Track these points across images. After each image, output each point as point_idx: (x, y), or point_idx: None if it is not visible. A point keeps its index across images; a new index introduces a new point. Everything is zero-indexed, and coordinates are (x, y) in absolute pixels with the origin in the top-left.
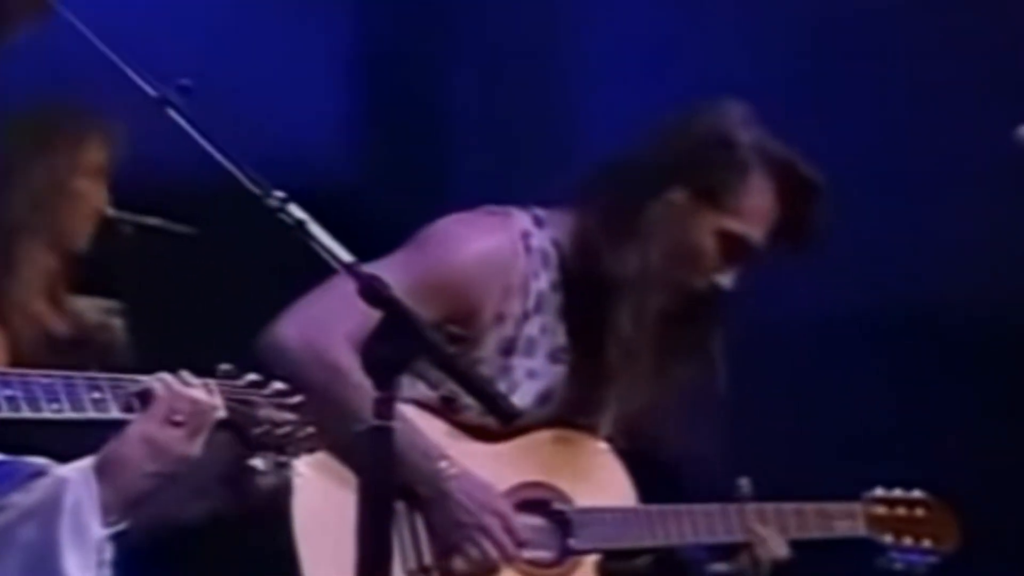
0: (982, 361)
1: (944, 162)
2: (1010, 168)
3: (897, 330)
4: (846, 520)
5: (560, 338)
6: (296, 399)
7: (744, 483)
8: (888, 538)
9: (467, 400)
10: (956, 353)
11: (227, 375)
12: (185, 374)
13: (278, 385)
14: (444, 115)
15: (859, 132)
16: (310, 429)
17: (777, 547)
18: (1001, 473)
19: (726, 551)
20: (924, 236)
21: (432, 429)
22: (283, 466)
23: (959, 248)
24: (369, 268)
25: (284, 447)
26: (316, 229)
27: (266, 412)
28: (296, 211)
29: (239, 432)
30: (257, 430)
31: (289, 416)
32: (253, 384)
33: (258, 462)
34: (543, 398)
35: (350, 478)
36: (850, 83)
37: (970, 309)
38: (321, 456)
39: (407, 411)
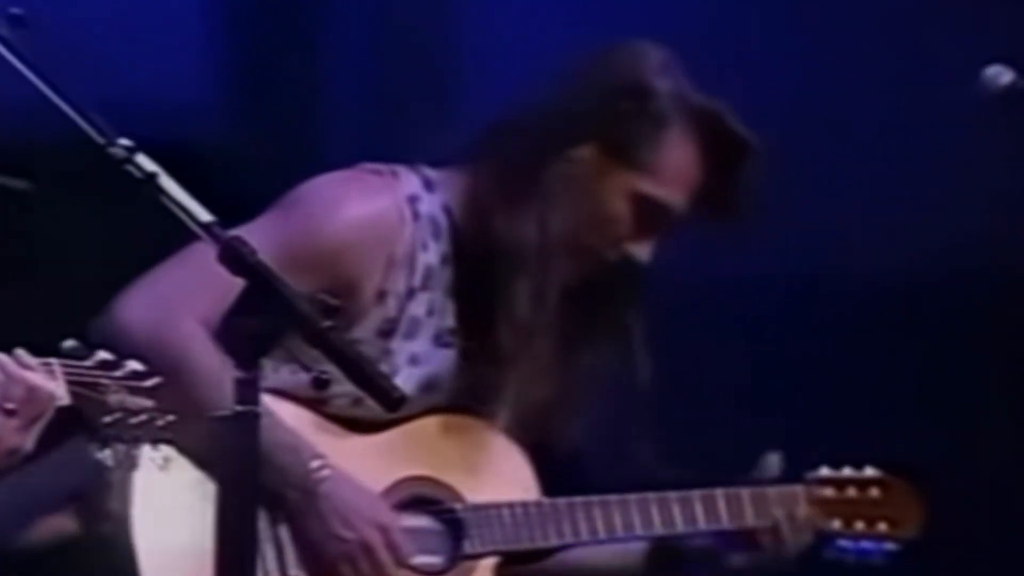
0: (941, 327)
1: (899, 110)
2: (975, 117)
3: (843, 298)
4: (787, 505)
5: (448, 319)
6: (153, 381)
7: (774, 460)
8: (836, 524)
9: (344, 387)
10: (911, 320)
11: (72, 354)
12: (21, 353)
13: (133, 365)
14: (321, 63)
15: (798, 77)
16: (170, 416)
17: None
18: (967, 447)
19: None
20: (876, 195)
21: (298, 422)
22: (134, 460)
23: (916, 208)
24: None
25: (138, 438)
26: (169, 183)
27: (118, 397)
28: (146, 163)
29: (85, 421)
30: (107, 419)
31: (145, 402)
32: (103, 365)
33: (107, 455)
34: (427, 386)
35: (204, 480)
36: (784, 21)
37: (928, 274)
38: (166, 455)
39: (267, 401)
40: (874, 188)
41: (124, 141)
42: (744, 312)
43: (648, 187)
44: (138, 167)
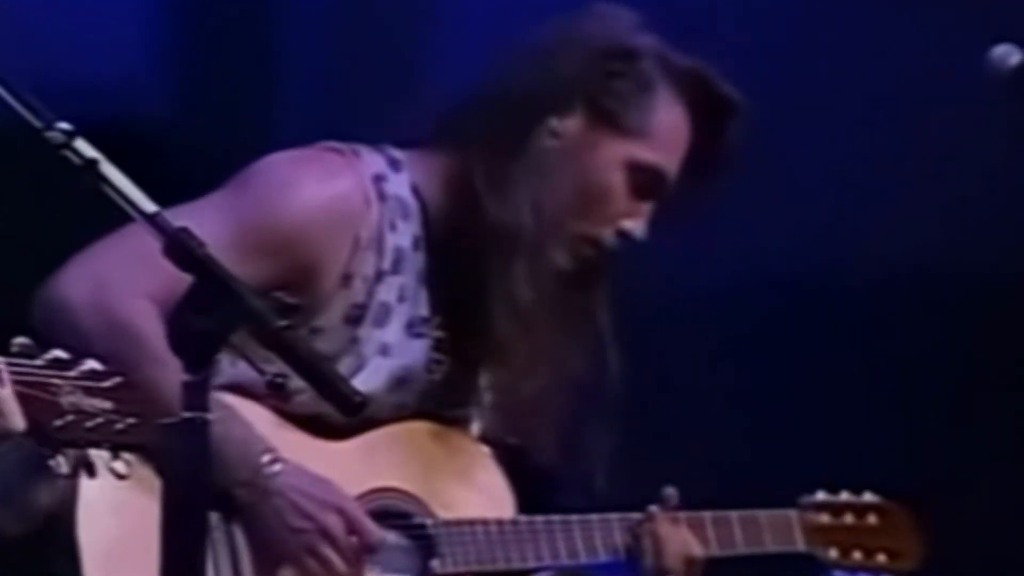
0: (947, 331)
1: (897, 95)
2: (981, 99)
3: (832, 298)
4: (780, 531)
5: (421, 307)
6: (112, 381)
7: (671, 493)
8: (833, 553)
9: (296, 384)
10: (914, 324)
11: (22, 352)
12: None
13: (90, 364)
14: (274, 37)
15: (791, 55)
16: (131, 419)
17: (686, 547)
18: (970, 471)
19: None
20: (871, 182)
21: (257, 420)
22: (90, 467)
23: (915, 198)
24: (177, 214)
25: (96, 442)
26: (110, 170)
27: (71, 399)
28: (85, 148)
29: (35, 424)
30: (58, 422)
31: (102, 403)
32: (56, 364)
33: (59, 462)
34: (398, 380)
35: (153, 483)
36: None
37: (927, 271)
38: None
39: (224, 397)
40: (870, 182)
41: (63, 125)
42: (727, 322)
43: (643, 154)
44: (77, 153)
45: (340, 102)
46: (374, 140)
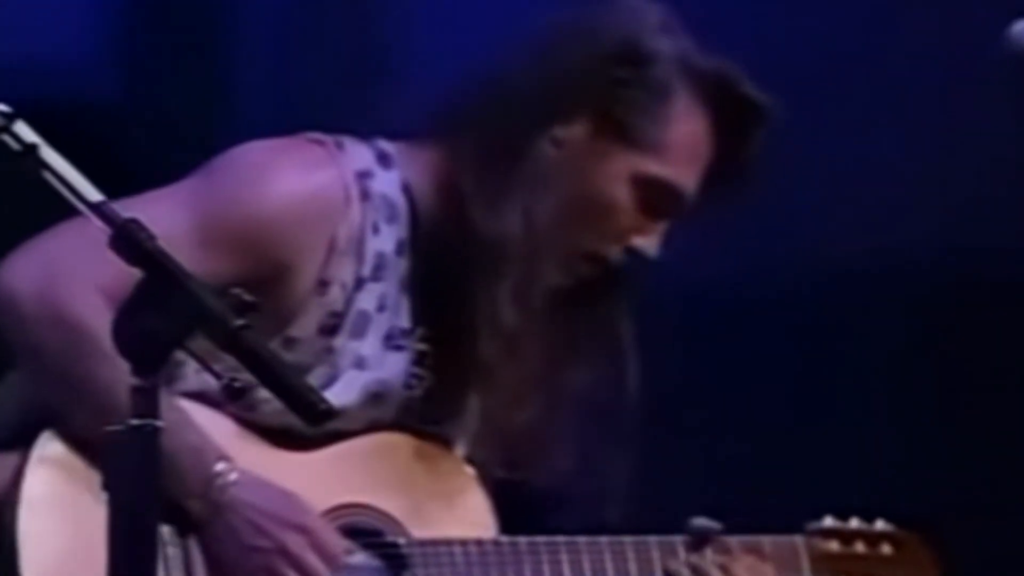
0: (967, 338)
1: (910, 72)
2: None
3: (850, 300)
4: (785, 559)
5: (402, 318)
6: None
7: (701, 524)
8: None
9: (263, 393)
10: (937, 328)
11: None
12: None
13: None
14: (227, 18)
15: (800, 36)
16: None
17: None
18: (988, 500)
19: None
20: (887, 172)
21: (217, 430)
22: None
23: (933, 189)
24: (137, 202)
25: None
26: (52, 156)
27: None
28: (26, 132)
29: None
30: None
31: None
32: None
33: None
34: (373, 395)
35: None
36: None
37: (948, 270)
38: (59, 455)
39: (181, 403)
40: (874, 167)
41: (1, 107)
42: (729, 341)
43: (653, 168)
44: (16, 137)
45: (295, 87)
46: (332, 126)
